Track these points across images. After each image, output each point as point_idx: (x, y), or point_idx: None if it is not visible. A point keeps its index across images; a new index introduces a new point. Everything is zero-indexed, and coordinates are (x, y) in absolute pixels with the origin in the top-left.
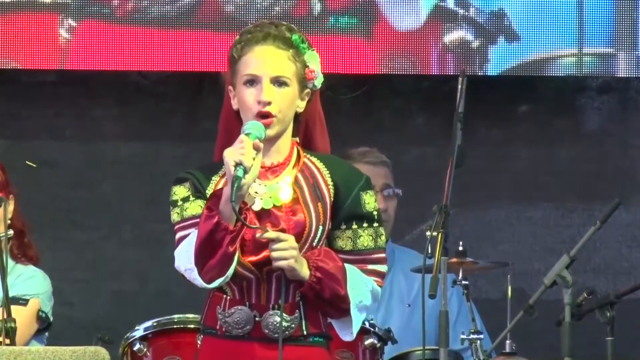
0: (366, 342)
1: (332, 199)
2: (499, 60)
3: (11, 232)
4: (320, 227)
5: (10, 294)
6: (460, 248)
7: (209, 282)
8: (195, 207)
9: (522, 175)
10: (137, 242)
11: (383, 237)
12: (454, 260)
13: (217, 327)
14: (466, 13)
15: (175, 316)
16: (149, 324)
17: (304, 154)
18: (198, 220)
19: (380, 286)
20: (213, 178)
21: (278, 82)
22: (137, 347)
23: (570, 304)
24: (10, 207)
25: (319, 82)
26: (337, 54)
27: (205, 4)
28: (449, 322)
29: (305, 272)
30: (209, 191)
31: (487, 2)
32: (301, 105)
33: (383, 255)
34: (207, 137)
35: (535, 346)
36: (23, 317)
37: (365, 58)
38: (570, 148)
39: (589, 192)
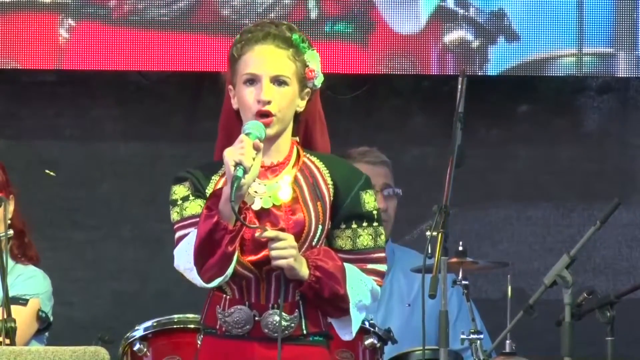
0: (366, 342)
1: (332, 198)
2: (499, 60)
3: (11, 232)
4: (320, 227)
5: (10, 294)
6: (460, 248)
7: (208, 282)
8: (195, 206)
9: (522, 175)
10: (137, 242)
11: (383, 237)
12: (454, 260)
13: (217, 326)
14: (466, 13)
15: (175, 316)
16: (149, 324)
17: (304, 153)
18: (198, 219)
19: (380, 285)
20: (213, 177)
21: (278, 81)
22: (137, 347)
23: (570, 304)
24: (11, 207)
25: (319, 81)
26: (336, 55)
27: (202, 6)
28: (449, 322)
29: (304, 271)
30: (209, 190)
31: (487, 2)
32: (301, 105)
33: (383, 254)
34: (207, 137)
35: (535, 346)
36: (23, 317)
37: (364, 59)
38: (570, 148)
39: (589, 192)
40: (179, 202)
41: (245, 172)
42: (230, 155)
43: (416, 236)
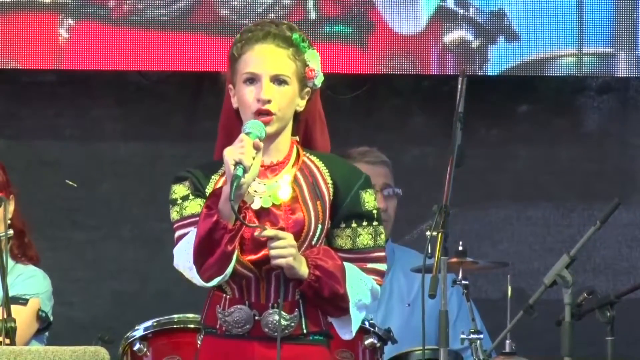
0: (366, 342)
1: (332, 197)
2: (499, 60)
3: (11, 232)
4: (320, 226)
5: (10, 294)
6: (460, 248)
7: (207, 281)
8: (195, 205)
9: (522, 175)
10: (137, 242)
11: (383, 236)
12: (454, 260)
13: (217, 326)
14: (466, 13)
15: (175, 316)
16: (149, 323)
17: (304, 152)
18: (197, 219)
19: (380, 285)
20: (212, 177)
21: (278, 80)
22: (137, 347)
23: (570, 303)
24: (11, 207)
25: (319, 81)
26: (336, 56)
27: (202, 6)
28: (449, 321)
29: (304, 270)
30: (209, 190)
31: (487, 2)
32: (301, 104)
33: (383, 254)
34: (207, 137)
35: (535, 346)
36: (23, 317)
37: (363, 60)
38: (570, 148)
39: (589, 192)
40: (179, 201)
41: (245, 171)
42: (230, 154)
43: (416, 236)
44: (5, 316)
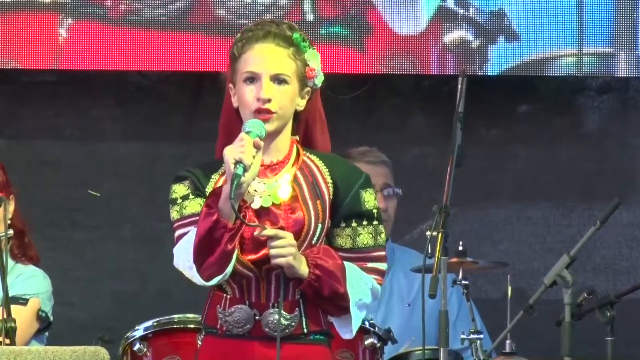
0: (366, 342)
1: (332, 197)
2: (499, 60)
3: (11, 231)
4: (320, 225)
5: (11, 294)
6: (460, 248)
7: (207, 280)
8: (195, 205)
9: (522, 175)
10: (137, 242)
11: (383, 235)
12: (454, 260)
13: (218, 326)
14: (466, 13)
15: (175, 316)
16: (149, 323)
17: (304, 152)
18: (197, 218)
19: (380, 284)
20: (212, 176)
21: (278, 79)
22: (137, 347)
23: (570, 303)
24: (11, 207)
25: (319, 80)
26: (333, 58)
27: (201, 7)
28: (449, 321)
29: (304, 269)
30: (209, 189)
31: (487, 2)
32: (301, 104)
33: (383, 253)
34: (207, 137)
35: (535, 346)
36: (23, 317)
37: (360, 62)
38: (570, 148)
39: (589, 192)
40: (179, 200)
41: (245, 170)
42: (230, 153)
43: (416, 236)
44: (5, 316)
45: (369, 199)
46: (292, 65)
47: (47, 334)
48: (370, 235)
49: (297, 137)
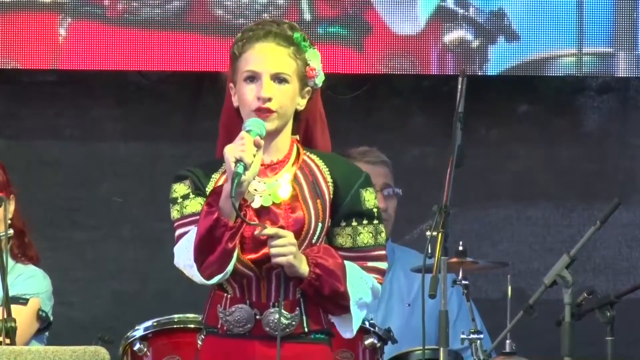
0: (366, 342)
1: (332, 196)
2: (499, 60)
3: (11, 231)
4: (320, 225)
5: (11, 294)
6: (460, 248)
7: (208, 279)
8: (195, 204)
9: (522, 175)
10: (137, 242)
11: (383, 235)
12: (454, 260)
13: (219, 326)
14: (466, 13)
15: (175, 316)
16: (149, 323)
17: (304, 151)
18: (198, 217)
19: (381, 283)
20: (213, 176)
21: (278, 78)
22: (137, 346)
23: (570, 303)
24: (11, 207)
25: (319, 80)
26: (332, 58)
27: (201, 7)
28: (449, 321)
29: (304, 268)
30: (209, 189)
31: (487, 2)
32: (302, 103)
33: (383, 252)
34: (207, 137)
35: (535, 346)
36: (23, 317)
37: (359, 62)
38: (570, 148)
39: (589, 192)
40: (179, 200)
41: (245, 168)
42: (230, 151)
43: (416, 236)
44: (5, 316)
45: (369, 198)
46: (293, 64)
47: (47, 334)
48: (371, 235)
49: (298, 137)
